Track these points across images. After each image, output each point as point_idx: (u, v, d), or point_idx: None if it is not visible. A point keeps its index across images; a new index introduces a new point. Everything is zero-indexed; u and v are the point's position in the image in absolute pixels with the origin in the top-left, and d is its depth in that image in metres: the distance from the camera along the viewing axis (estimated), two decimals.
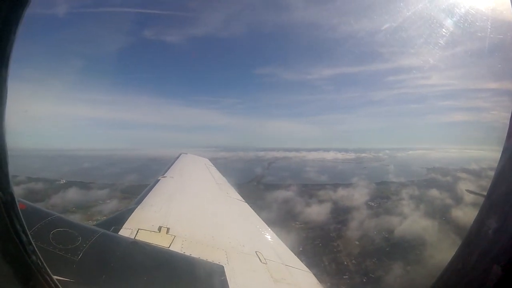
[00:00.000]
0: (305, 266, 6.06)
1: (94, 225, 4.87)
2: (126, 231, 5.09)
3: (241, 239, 6.13)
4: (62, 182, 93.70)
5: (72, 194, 76.39)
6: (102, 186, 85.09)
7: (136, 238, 4.92)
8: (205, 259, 4.79)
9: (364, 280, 45.98)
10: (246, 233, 6.95)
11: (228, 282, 4.20)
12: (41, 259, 1.49)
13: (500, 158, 1.54)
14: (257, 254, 5.55)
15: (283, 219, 63.71)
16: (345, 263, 50.74)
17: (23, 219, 1.33)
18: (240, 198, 9.66)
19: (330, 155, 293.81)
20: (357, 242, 57.67)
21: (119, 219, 5.53)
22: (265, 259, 5.47)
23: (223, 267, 4.64)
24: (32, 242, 1.38)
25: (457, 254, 1.72)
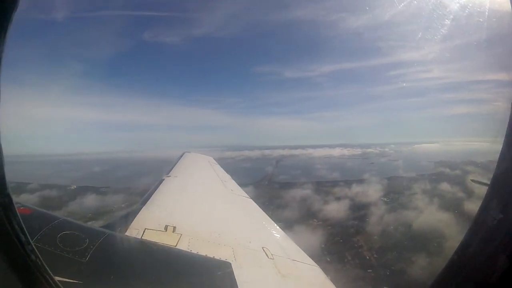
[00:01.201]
0: (312, 261, 5.95)
1: (101, 227, 4.91)
2: (133, 231, 5.13)
3: (248, 235, 6.13)
4: (73, 188, 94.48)
5: (89, 200, 76.89)
6: (116, 191, 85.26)
7: (143, 237, 4.96)
8: (212, 256, 4.79)
9: (388, 273, 46.47)
10: (252, 229, 6.93)
11: (236, 279, 4.18)
12: (40, 258, 1.51)
13: (502, 148, 1.52)
14: (264, 250, 5.53)
15: (301, 217, 64.64)
16: (368, 257, 51.55)
17: (21, 220, 1.37)
18: (245, 194, 9.62)
19: (336, 152, 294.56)
20: (376, 237, 58.22)
21: (125, 220, 5.57)
22: (272, 254, 5.43)
23: (231, 264, 4.63)
24: (31, 242, 1.42)
25: (462, 244, 1.69)
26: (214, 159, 15.03)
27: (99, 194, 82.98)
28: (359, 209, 71.35)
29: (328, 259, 45.47)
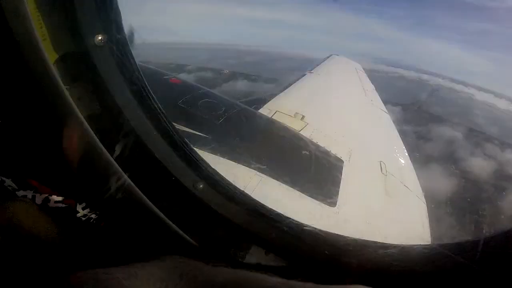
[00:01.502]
0: (423, 196, 5.47)
1: (239, 101, 5.50)
2: (265, 111, 5.64)
3: (371, 145, 6.03)
4: (226, 72, 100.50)
5: (239, 85, 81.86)
6: (266, 80, 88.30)
7: (272, 117, 5.43)
8: (329, 150, 4.93)
9: None
10: (377, 142, 6.66)
11: (342, 177, 4.33)
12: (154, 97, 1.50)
13: None
14: (380, 164, 5.33)
15: (440, 157, 59.23)
16: (483, 229, 46.53)
17: (134, 57, 1.42)
18: (384, 108, 9.04)
19: (502, 103, 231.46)
20: (502, 216, 51.26)
21: (261, 100, 6.13)
22: (386, 171, 5.21)
23: (343, 162, 4.75)
24: (137, 65, 1.45)
25: None
26: (363, 68, 13.80)
27: (249, 81, 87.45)
28: (503, 178, 62.67)
29: (448, 211, 42.51)
